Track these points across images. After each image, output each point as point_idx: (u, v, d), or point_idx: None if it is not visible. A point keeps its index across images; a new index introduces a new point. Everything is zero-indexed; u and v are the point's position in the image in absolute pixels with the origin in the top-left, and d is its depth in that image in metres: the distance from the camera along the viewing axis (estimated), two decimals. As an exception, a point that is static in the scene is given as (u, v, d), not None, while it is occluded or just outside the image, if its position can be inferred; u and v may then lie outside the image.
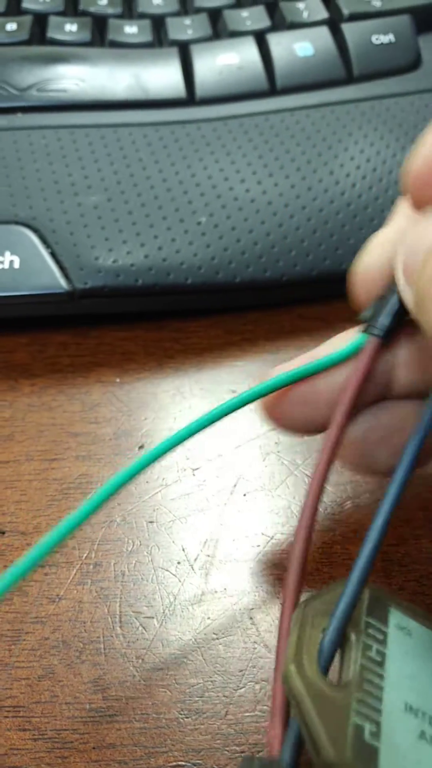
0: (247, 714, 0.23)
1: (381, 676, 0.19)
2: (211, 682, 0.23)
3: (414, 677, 0.20)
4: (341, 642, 0.20)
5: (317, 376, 0.24)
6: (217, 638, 0.24)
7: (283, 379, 0.24)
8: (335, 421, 0.23)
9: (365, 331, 0.23)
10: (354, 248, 0.33)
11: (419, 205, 0.23)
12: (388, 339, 0.23)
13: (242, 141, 0.36)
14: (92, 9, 0.43)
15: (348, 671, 0.20)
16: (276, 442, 0.29)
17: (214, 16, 0.42)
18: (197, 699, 0.23)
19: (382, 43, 0.40)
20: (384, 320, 0.23)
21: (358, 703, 0.19)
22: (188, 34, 0.41)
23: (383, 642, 0.20)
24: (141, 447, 0.29)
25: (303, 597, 0.21)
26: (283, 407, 0.25)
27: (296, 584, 0.21)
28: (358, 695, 0.19)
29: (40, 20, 0.42)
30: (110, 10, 0.43)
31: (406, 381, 0.24)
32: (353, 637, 0.20)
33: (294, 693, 0.19)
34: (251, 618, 0.25)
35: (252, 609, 0.25)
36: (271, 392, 0.24)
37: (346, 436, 0.24)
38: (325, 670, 0.19)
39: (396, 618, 0.21)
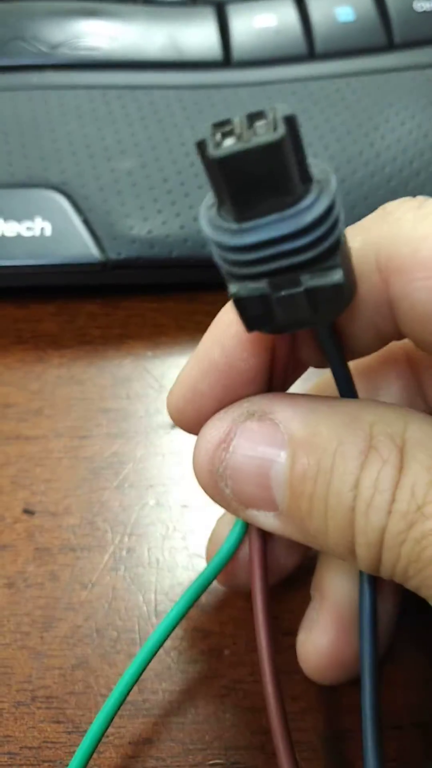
0: (287, 710, 0.22)
1: None
2: (251, 675, 0.23)
3: None
4: None
5: None
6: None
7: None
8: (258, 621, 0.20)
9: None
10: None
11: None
12: None
13: (280, 108, 0.34)
14: (124, -37, 0.41)
15: None
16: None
17: (251, -26, 0.41)
18: (236, 694, 0.22)
19: (425, 11, 0.38)
20: None
21: None
22: (224, -8, 0.40)
23: None
24: (174, 426, 0.28)
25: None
26: None
27: None
28: None
29: (70, -27, 0.40)
30: (143, -35, 0.41)
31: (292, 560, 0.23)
32: None
33: None
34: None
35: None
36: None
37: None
38: None
39: None
